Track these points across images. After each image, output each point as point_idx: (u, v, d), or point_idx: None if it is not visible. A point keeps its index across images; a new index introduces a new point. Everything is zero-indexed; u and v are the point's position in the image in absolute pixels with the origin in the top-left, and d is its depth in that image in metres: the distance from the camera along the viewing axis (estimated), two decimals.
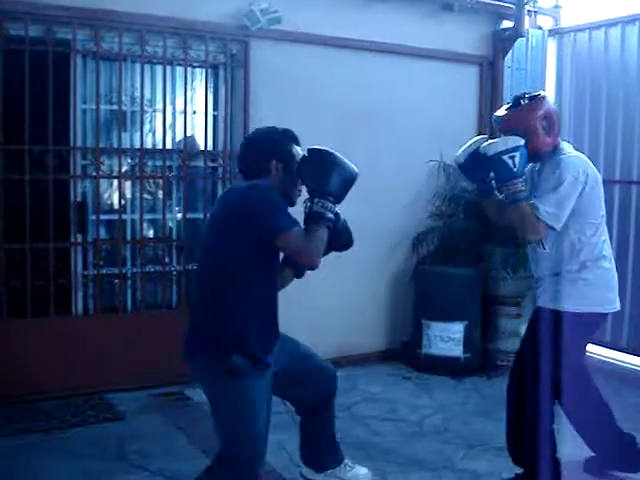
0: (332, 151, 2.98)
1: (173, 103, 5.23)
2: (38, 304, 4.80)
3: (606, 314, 3.49)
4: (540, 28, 6.63)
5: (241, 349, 2.82)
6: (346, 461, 3.63)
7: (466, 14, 6.09)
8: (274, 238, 2.79)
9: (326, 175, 2.91)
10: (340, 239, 3.32)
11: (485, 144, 3.28)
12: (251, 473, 2.97)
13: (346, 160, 2.99)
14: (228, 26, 5.16)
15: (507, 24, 6.33)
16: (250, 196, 2.84)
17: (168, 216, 5.25)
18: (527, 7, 6.31)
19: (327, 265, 5.48)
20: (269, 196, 2.85)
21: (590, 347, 4.43)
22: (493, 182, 3.45)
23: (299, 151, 3.10)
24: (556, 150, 3.36)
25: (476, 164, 3.41)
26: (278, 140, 3.09)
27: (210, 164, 5.31)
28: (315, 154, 2.97)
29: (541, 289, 3.45)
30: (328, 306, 5.61)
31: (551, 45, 6.66)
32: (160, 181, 5.21)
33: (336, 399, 4.88)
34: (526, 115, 3.30)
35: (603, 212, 3.40)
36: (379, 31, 5.71)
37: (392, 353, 5.94)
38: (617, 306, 3.46)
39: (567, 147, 3.42)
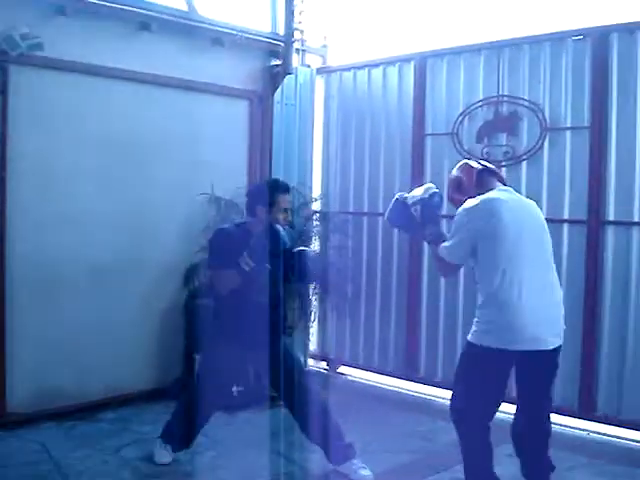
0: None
1: None
2: None
3: (502, 350, 3.50)
4: (308, 66, 6.86)
5: None
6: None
7: (237, 50, 6.17)
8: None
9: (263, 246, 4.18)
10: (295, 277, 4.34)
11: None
12: None
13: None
14: None
15: (278, 61, 6.48)
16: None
17: None
18: (295, 45, 6.52)
19: (95, 304, 5.37)
20: (216, 237, 4.31)
21: None
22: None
23: (283, 199, 4.27)
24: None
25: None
26: (264, 191, 4.28)
27: None
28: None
29: None
30: (94, 344, 5.39)
31: (319, 83, 6.91)
32: None
33: (104, 442, 4.77)
34: (451, 179, 3.92)
35: (501, 262, 3.51)
36: (149, 62, 5.61)
37: (164, 391, 5.67)
38: (514, 347, 3.50)
39: (488, 195, 3.66)
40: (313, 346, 6.95)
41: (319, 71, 6.93)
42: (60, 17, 5.14)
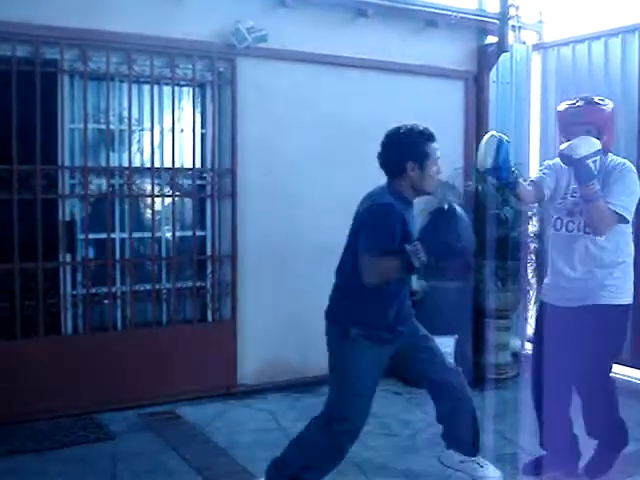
0: (461, 217, 3.33)
1: (161, 122, 5.23)
2: (27, 325, 4.77)
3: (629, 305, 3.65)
4: (524, 43, 6.69)
5: (357, 323, 3.45)
6: (476, 459, 3.82)
7: (450, 30, 6.13)
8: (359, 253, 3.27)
9: (439, 235, 3.24)
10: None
11: (569, 146, 3.40)
12: (341, 433, 3.39)
13: (466, 232, 3.32)
14: (215, 44, 5.18)
15: (491, 39, 6.38)
16: (369, 211, 3.35)
17: (157, 234, 5.24)
18: (511, 22, 6.37)
19: (319, 284, 5.56)
20: (379, 215, 3.29)
21: None
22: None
23: (435, 148, 3.36)
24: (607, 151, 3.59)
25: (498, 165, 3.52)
26: (414, 142, 3.34)
27: (198, 182, 5.32)
28: (449, 212, 3.32)
29: (589, 283, 3.61)
30: (317, 322, 5.56)
31: (535, 59, 6.72)
32: (149, 199, 5.22)
33: None
34: (604, 112, 3.57)
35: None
36: (364, 47, 5.74)
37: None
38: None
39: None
40: (531, 329, 6.80)
41: (535, 47, 6.73)
42: (281, 9, 5.38)
